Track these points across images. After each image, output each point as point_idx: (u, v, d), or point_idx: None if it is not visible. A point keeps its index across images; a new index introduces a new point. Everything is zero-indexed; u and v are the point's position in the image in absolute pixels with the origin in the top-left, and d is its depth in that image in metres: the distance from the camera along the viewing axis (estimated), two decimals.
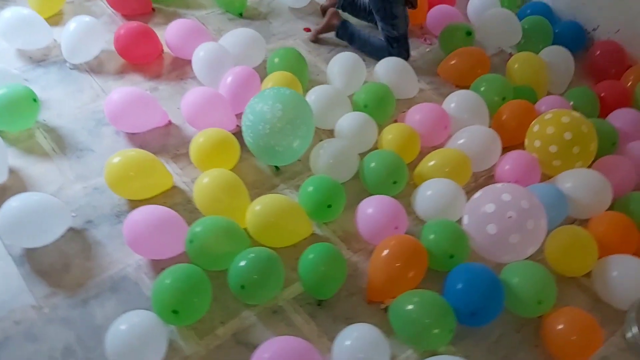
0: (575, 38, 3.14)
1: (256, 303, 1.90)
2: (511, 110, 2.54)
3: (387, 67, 2.74)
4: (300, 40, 3.04)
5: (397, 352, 1.84)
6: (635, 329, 1.41)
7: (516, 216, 1.93)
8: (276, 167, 2.35)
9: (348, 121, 2.40)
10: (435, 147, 2.46)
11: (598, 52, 3.05)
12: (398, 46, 2.86)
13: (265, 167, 2.37)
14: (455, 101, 2.56)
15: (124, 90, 2.36)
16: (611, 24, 3.11)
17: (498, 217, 1.95)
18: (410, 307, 1.78)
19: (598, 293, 2.07)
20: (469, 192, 2.20)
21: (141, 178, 2.11)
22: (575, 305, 1.99)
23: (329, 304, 1.95)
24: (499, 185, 2.07)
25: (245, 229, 2.01)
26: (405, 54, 2.91)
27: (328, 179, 2.14)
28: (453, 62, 2.91)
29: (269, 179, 2.33)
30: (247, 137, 2.24)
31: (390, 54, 2.84)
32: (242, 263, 1.82)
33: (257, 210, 2.00)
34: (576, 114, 2.37)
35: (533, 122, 2.43)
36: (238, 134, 2.30)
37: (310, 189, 2.12)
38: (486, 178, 2.44)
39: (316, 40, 3.03)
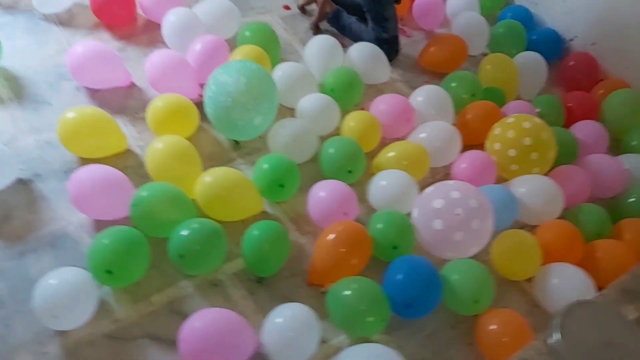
0: (552, 46, 3.15)
1: (195, 274, 1.89)
2: (476, 110, 2.55)
3: (362, 51, 2.72)
4: (278, 17, 3.01)
5: (330, 336, 1.85)
6: (557, 335, 1.42)
7: (463, 214, 1.94)
8: (236, 141, 2.33)
9: (311, 102, 2.39)
10: (397, 139, 2.46)
11: (572, 63, 3.07)
12: (388, 47, 2.83)
13: (225, 139, 2.34)
14: (423, 95, 2.56)
15: (88, 44, 2.32)
16: (589, 36, 3.13)
17: (445, 213, 1.96)
18: (347, 292, 1.78)
19: (537, 298, 2.09)
20: (426, 187, 2.19)
21: (94, 136, 2.08)
22: (513, 308, 2.01)
23: (269, 282, 1.95)
24: (450, 182, 2.08)
25: (193, 200, 1.99)
26: (394, 54, 2.90)
27: (284, 158, 2.13)
28: (432, 49, 2.91)
29: (226, 153, 2.31)
30: (208, 108, 2.21)
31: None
32: (184, 232, 1.80)
33: (207, 181, 1.98)
34: (538, 121, 2.39)
35: (495, 125, 2.44)
36: (200, 103, 2.27)
37: (265, 166, 2.11)
38: (444, 175, 2.45)
39: (317, 31, 2.99)
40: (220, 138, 2.34)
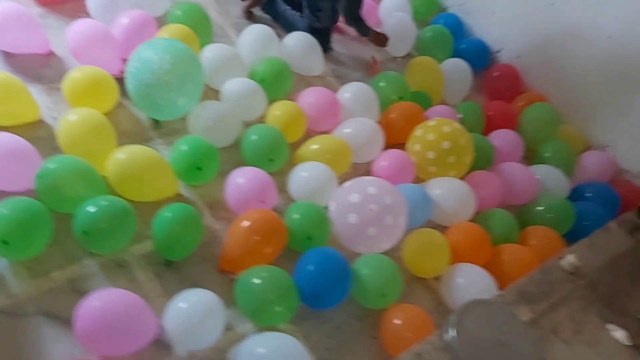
0: (479, 56, 3.26)
1: (99, 252, 1.82)
2: (400, 110, 2.60)
3: (298, 41, 2.72)
4: None
5: (236, 323, 1.83)
6: (453, 332, 1.47)
7: (377, 210, 1.97)
8: (156, 120, 2.27)
9: (237, 86, 2.36)
10: (322, 132, 2.47)
11: (496, 73, 3.18)
12: (319, 37, 2.83)
13: (145, 118, 2.28)
14: (351, 92, 2.58)
15: (7, 5, 2.19)
16: (514, 49, 3.25)
17: (360, 208, 1.98)
18: (256, 281, 1.77)
19: (443, 296, 2.15)
20: (346, 181, 2.22)
21: (4, 103, 1.97)
22: (420, 304, 2.06)
23: (178, 266, 1.90)
24: (368, 178, 2.11)
25: (104, 177, 1.92)
26: (325, 45, 2.90)
27: (203, 141, 2.09)
28: None
29: (144, 131, 2.25)
30: (130, 84, 2.13)
31: None
32: (91, 209, 1.73)
33: (119, 158, 1.91)
34: (457, 126, 2.46)
35: (417, 127, 2.49)
36: (121, 79, 2.19)
37: (184, 147, 2.06)
38: (365, 171, 2.48)
39: (249, 16, 2.96)
40: (139, 116, 2.27)
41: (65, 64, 2.31)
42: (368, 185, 2.03)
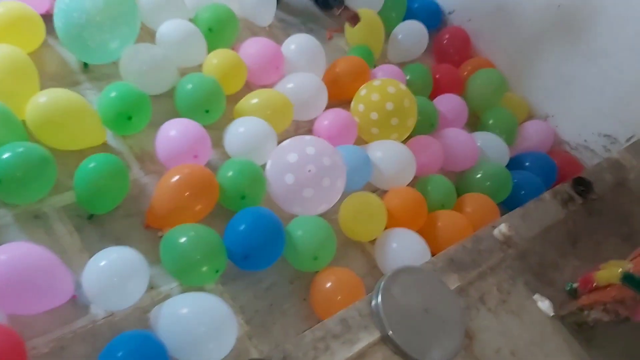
0: (430, 17, 3.18)
1: (15, 202, 1.70)
2: (346, 65, 2.52)
3: None
4: None
5: (161, 282, 1.76)
6: (379, 299, 1.45)
7: (315, 171, 1.91)
8: (85, 63, 2.12)
9: (173, 29, 2.22)
10: (264, 86, 2.38)
11: (447, 36, 3.13)
12: None
13: (74, 60, 2.12)
14: (295, 44, 2.48)
15: None
16: (466, 12, 3.21)
17: (298, 168, 1.92)
18: (183, 239, 1.69)
19: (376, 260, 2.14)
20: (287, 139, 2.15)
21: None
22: (353, 267, 2.04)
23: (101, 220, 1.80)
24: (307, 137, 2.04)
25: (24, 121, 1.78)
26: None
27: (134, 89, 1.96)
28: None
29: (72, 74, 2.10)
30: (58, 23, 1.97)
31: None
32: (5, 155, 1.60)
33: (40, 102, 1.77)
34: (403, 87, 2.41)
35: (362, 86, 2.43)
36: (49, 17, 2.02)
37: (113, 94, 1.93)
38: (306, 130, 2.41)
39: None
40: (67, 57, 2.12)
41: None
42: (307, 145, 1.97)
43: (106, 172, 1.74)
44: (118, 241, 1.75)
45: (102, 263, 1.57)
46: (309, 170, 1.91)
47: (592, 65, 2.67)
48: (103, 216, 1.80)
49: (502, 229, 1.81)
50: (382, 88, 2.37)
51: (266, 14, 2.66)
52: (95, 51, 2.02)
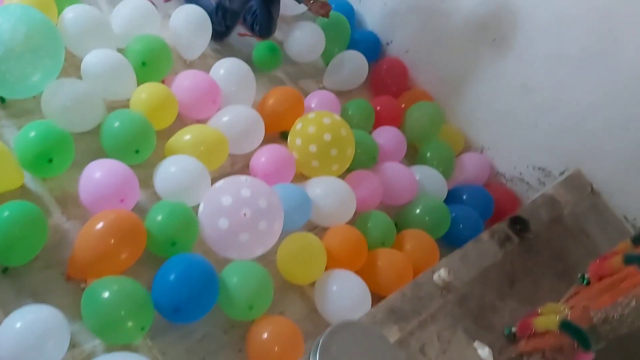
0: (371, 49, 3.16)
1: None
2: (280, 96, 2.48)
3: (187, 19, 2.47)
4: None
5: (83, 340, 1.63)
6: (315, 358, 1.38)
7: (251, 215, 1.83)
8: (2, 98, 1.97)
9: (100, 59, 2.09)
10: (199, 120, 2.28)
11: (385, 67, 3.12)
12: (222, 17, 2.62)
13: None
14: (224, 68, 2.42)
15: None
16: (404, 43, 3.21)
17: (232, 212, 1.83)
18: (105, 294, 1.57)
19: (316, 303, 2.06)
20: (224, 176, 2.06)
21: None
22: (291, 312, 1.98)
23: (17, 272, 1.66)
24: (242, 178, 1.96)
25: None
26: (222, 29, 2.68)
27: (55, 128, 1.83)
28: None
29: None
30: None
31: (211, 18, 2.57)
32: None
33: None
34: (337, 117, 2.39)
35: (297, 120, 2.39)
36: None
37: (32, 134, 1.79)
38: (242, 166, 2.33)
39: None
40: None
41: None
42: (242, 186, 1.88)
43: (20, 221, 1.60)
44: (36, 296, 1.62)
45: (18, 325, 1.44)
46: (245, 215, 1.83)
47: (526, 99, 2.71)
48: (19, 268, 1.65)
49: (441, 274, 1.79)
50: (318, 120, 2.33)
51: (198, 46, 2.56)
52: (15, 85, 1.88)
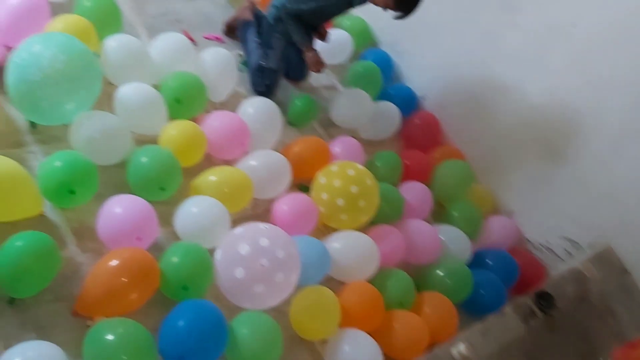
0: (406, 103, 3.11)
1: None
2: (306, 145, 2.47)
3: (216, 59, 2.46)
4: None
5: None
6: None
7: (268, 265, 1.78)
8: (33, 123, 1.97)
9: (134, 92, 2.08)
10: (226, 161, 2.27)
11: (417, 120, 3.08)
12: (261, 76, 2.64)
13: (21, 118, 1.97)
14: (254, 108, 2.41)
15: None
16: (439, 99, 3.18)
17: (249, 261, 1.78)
18: (108, 337, 1.51)
19: None
20: (245, 218, 2.04)
21: None
22: None
23: (24, 304, 1.61)
24: (261, 226, 1.91)
25: None
26: (262, 88, 2.66)
27: (82, 160, 1.82)
28: None
29: (17, 134, 1.95)
30: (11, 77, 1.83)
31: (252, 78, 2.65)
32: None
33: None
34: (360, 167, 2.37)
35: (319, 175, 2.36)
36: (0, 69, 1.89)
37: (57, 164, 1.77)
38: (264, 210, 2.28)
39: (229, 32, 2.85)
40: (14, 115, 1.97)
41: None
42: (260, 235, 1.83)
43: (32, 252, 1.56)
44: (40, 330, 1.57)
45: None
46: (262, 265, 1.78)
47: (563, 170, 2.65)
48: (27, 300, 1.62)
49: (461, 349, 1.71)
50: (342, 172, 2.30)
51: (224, 89, 2.54)
52: (47, 112, 1.89)
